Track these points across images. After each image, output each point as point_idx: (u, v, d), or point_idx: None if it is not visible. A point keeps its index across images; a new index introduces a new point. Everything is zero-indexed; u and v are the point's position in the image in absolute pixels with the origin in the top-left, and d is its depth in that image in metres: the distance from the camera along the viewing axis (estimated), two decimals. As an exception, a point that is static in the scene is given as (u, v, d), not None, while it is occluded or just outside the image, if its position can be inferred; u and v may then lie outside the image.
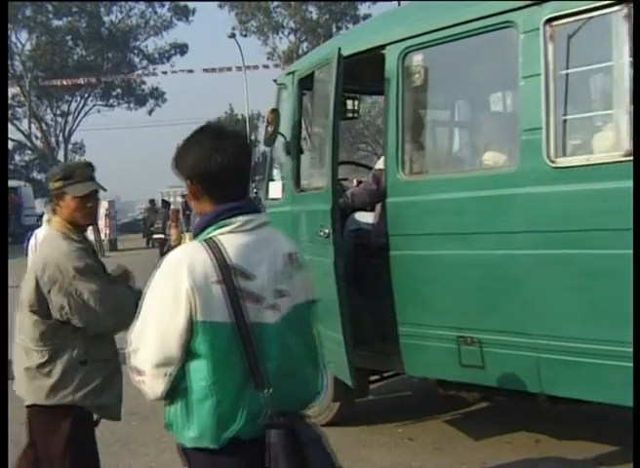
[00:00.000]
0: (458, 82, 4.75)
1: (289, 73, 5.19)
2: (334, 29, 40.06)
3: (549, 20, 3.61)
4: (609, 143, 3.51)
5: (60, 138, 44.33)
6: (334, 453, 2.14)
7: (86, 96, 43.92)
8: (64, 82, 37.48)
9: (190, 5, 43.66)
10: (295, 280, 2.20)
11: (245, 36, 41.25)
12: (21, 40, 42.47)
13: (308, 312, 2.26)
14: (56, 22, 42.91)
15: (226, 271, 2.04)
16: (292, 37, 41.80)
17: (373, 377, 5.24)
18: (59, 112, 44.23)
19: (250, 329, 2.04)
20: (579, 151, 3.67)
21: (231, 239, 2.10)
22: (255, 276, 2.09)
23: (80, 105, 44.21)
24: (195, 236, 2.18)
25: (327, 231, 4.34)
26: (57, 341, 2.97)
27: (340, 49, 4.33)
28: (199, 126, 2.24)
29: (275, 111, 4.93)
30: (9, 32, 41.52)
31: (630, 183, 3.28)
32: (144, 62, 45.06)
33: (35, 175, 45.02)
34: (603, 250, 3.48)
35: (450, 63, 4.47)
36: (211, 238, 2.11)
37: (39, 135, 43.66)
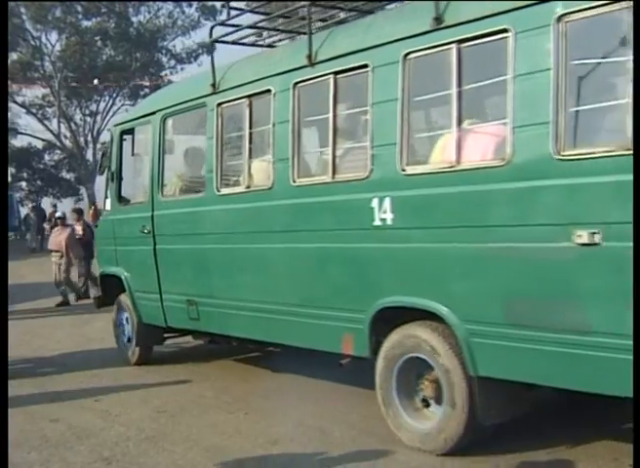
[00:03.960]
0: (188, 139, 7.68)
1: (115, 125, 8.16)
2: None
3: (220, 104, 6.39)
4: (262, 178, 6.08)
5: (89, 138, 48.07)
6: None
7: (114, 95, 47.64)
8: (95, 81, 40.92)
9: (217, 5, 46.99)
10: None
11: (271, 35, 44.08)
12: (51, 41, 46.14)
13: None
14: (85, 23, 46.62)
15: None
16: (318, 36, 44.42)
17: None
18: (87, 112, 47.90)
19: None
20: (233, 185, 6.42)
21: None
22: None
23: (108, 105, 47.93)
24: None
25: (148, 228, 7.27)
26: None
27: (159, 111, 7.20)
28: None
29: (105, 151, 7.94)
30: (39, 34, 45.67)
31: (269, 203, 6.08)
32: (172, 62, 48.59)
33: (64, 174, 49.17)
34: (241, 245, 6.26)
35: (187, 126, 7.42)
36: None
37: (68, 134, 47.30)
